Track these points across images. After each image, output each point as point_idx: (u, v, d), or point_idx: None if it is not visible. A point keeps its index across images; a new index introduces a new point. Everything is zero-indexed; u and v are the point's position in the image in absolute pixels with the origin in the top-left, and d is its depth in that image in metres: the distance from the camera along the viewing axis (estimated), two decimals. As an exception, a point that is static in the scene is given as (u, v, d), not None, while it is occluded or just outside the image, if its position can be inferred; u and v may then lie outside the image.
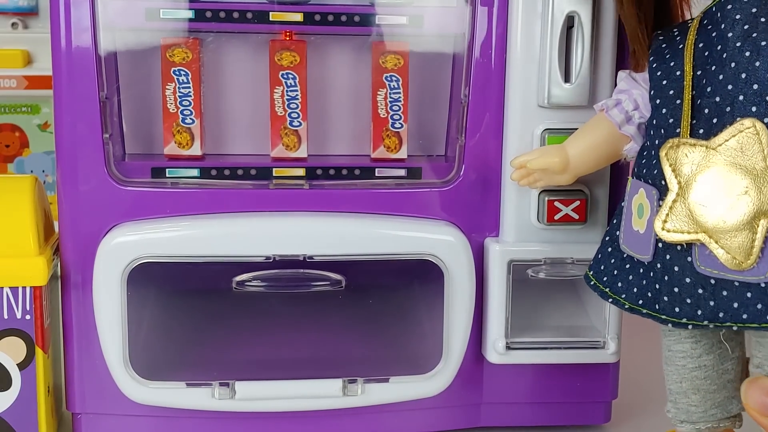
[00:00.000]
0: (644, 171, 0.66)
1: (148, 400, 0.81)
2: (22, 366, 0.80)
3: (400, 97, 0.85)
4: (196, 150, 0.85)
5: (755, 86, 0.60)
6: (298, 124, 0.85)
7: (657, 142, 0.65)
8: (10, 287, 0.78)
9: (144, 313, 0.93)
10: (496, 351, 0.83)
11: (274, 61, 0.84)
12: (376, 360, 0.87)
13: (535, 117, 0.80)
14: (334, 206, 0.82)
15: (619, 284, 0.68)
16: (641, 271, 0.66)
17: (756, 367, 0.65)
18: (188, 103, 0.83)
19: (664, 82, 0.66)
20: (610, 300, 0.69)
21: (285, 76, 0.84)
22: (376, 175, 0.85)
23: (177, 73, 0.83)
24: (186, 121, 0.84)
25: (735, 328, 0.61)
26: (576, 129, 0.80)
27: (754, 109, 0.60)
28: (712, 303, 0.61)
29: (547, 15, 0.78)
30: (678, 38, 0.67)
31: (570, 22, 0.78)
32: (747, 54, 0.60)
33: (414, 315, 0.97)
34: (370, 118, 0.86)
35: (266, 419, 0.84)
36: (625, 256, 0.68)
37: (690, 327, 0.63)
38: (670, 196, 0.62)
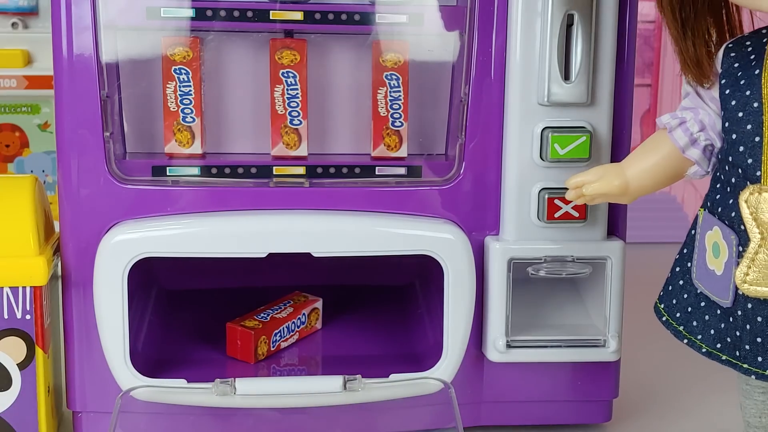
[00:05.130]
0: (719, 209, 0.61)
1: (149, 398, 0.81)
2: (22, 366, 0.80)
3: (400, 95, 0.85)
4: (196, 148, 0.85)
5: None
6: (299, 122, 0.85)
7: (733, 180, 0.60)
8: (10, 287, 0.78)
9: (145, 311, 0.93)
10: (496, 349, 0.83)
11: (274, 60, 0.84)
12: (377, 357, 0.87)
13: (535, 115, 0.81)
14: (335, 204, 0.82)
15: (695, 323, 0.64)
16: (719, 312, 0.62)
17: None
18: (189, 102, 0.84)
19: (740, 114, 0.60)
20: (686, 341, 0.64)
21: (285, 75, 0.84)
22: (377, 173, 0.85)
23: (178, 71, 0.83)
24: (186, 119, 0.84)
25: None
26: (576, 127, 0.80)
27: None
28: None
29: (546, 13, 0.78)
30: (753, 58, 0.60)
31: (569, 21, 0.78)
32: None
33: (415, 313, 0.98)
34: (370, 117, 0.86)
35: (266, 416, 0.84)
36: (699, 292, 0.64)
37: None
38: (752, 246, 0.58)
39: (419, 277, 1.00)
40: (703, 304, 0.63)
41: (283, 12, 0.81)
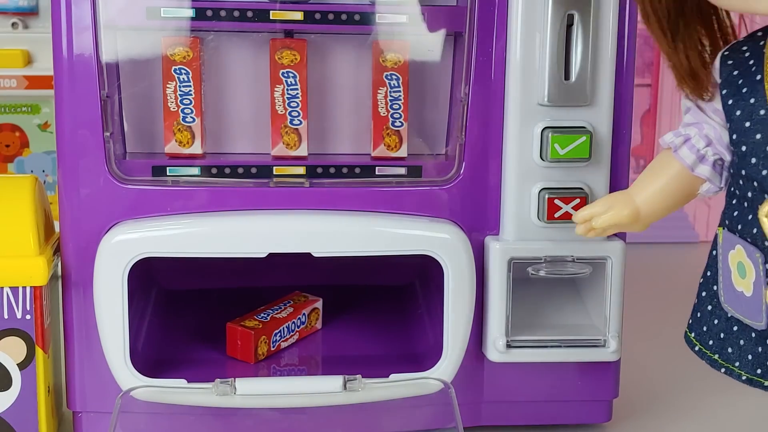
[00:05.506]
0: (739, 226, 0.57)
1: (149, 398, 0.81)
2: (22, 366, 0.80)
3: (400, 95, 0.85)
4: (196, 148, 0.85)
5: None
6: (299, 122, 0.85)
7: (750, 195, 0.56)
8: (10, 287, 0.78)
9: (145, 311, 0.93)
10: (496, 349, 0.83)
11: (274, 60, 0.84)
12: (377, 357, 0.87)
13: (535, 115, 0.81)
14: (335, 204, 0.82)
15: (730, 350, 0.60)
16: (753, 336, 0.58)
17: None
18: (189, 102, 0.84)
19: (747, 123, 0.56)
20: (723, 370, 0.60)
21: (285, 75, 0.84)
22: (377, 173, 0.85)
23: (178, 71, 0.83)
24: (187, 119, 0.84)
25: None
26: (576, 127, 0.80)
27: None
28: None
29: (546, 13, 0.78)
30: (752, 63, 0.57)
31: (569, 21, 0.79)
32: None
33: (415, 313, 0.98)
34: (370, 117, 0.86)
35: (267, 416, 0.84)
36: (729, 316, 0.60)
37: None
38: None
39: (419, 277, 1.00)
40: (735, 328, 0.59)
41: (283, 12, 0.81)
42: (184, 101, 0.84)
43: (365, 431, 0.86)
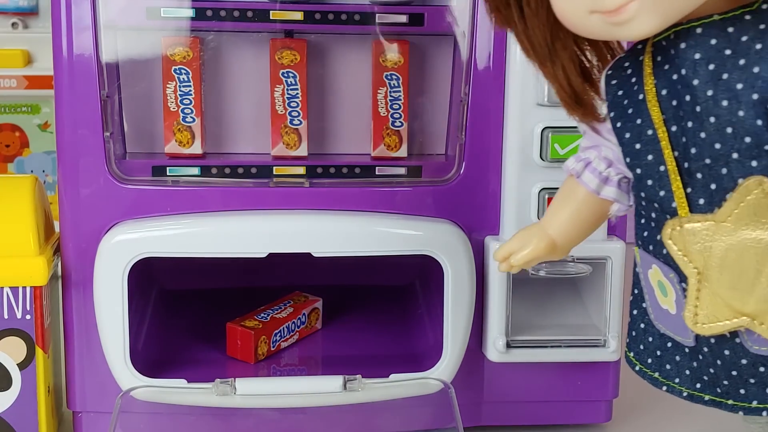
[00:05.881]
0: (650, 246, 0.56)
1: (149, 398, 0.81)
2: (22, 366, 0.80)
3: (400, 95, 0.85)
4: (196, 148, 0.85)
5: (747, 139, 0.49)
6: (299, 122, 0.85)
7: (654, 215, 0.55)
8: (10, 287, 0.78)
9: (145, 311, 0.93)
10: (496, 349, 0.83)
11: (274, 60, 0.84)
12: (377, 357, 0.87)
13: (535, 115, 0.80)
14: (335, 204, 0.82)
15: (668, 366, 0.58)
16: (687, 351, 0.57)
17: None
18: (189, 102, 0.84)
19: (637, 146, 0.54)
20: (665, 388, 0.58)
21: (285, 75, 0.84)
22: (377, 173, 0.85)
23: (178, 71, 0.83)
24: (187, 119, 0.84)
25: None
26: (576, 127, 0.80)
27: (754, 163, 0.49)
28: None
29: (547, 13, 0.78)
30: (634, 81, 0.55)
31: (570, 21, 0.78)
32: (725, 104, 0.49)
33: (415, 313, 0.98)
34: (370, 117, 0.86)
35: (267, 416, 0.84)
36: (662, 333, 0.58)
37: (765, 413, 0.53)
38: (692, 284, 0.53)
39: (419, 277, 1.00)
40: (669, 345, 0.58)
41: (283, 12, 0.81)
42: (184, 101, 0.84)
43: (365, 431, 0.86)
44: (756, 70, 0.49)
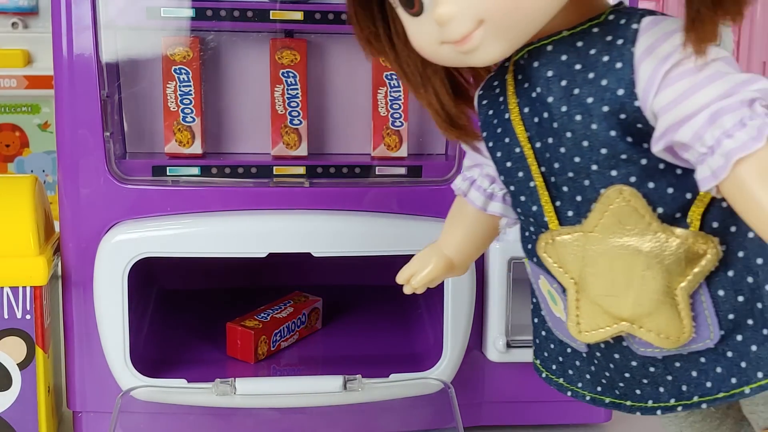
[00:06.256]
0: (534, 258, 0.57)
1: (149, 398, 0.81)
2: (22, 366, 0.80)
3: (400, 95, 0.85)
4: (196, 148, 0.85)
5: (603, 150, 0.50)
6: (299, 122, 0.85)
7: (532, 229, 0.56)
8: (10, 287, 0.78)
9: (145, 311, 0.93)
10: (496, 349, 0.83)
11: (274, 60, 0.84)
12: (377, 357, 0.87)
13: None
14: (335, 204, 0.82)
15: (570, 372, 0.59)
16: (585, 356, 0.58)
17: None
18: (189, 102, 0.84)
19: (508, 163, 0.55)
20: (569, 393, 0.59)
21: (285, 75, 0.84)
22: (376, 173, 0.85)
23: (178, 71, 0.83)
24: (187, 119, 0.84)
25: (704, 406, 0.52)
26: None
27: (614, 173, 0.50)
28: (669, 378, 0.54)
29: (547, 13, 0.78)
30: (501, 101, 0.56)
31: (570, 21, 0.78)
32: (578, 118, 0.50)
33: (415, 313, 0.97)
34: (370, 117, 0.86)
35: (267, 416, 0.84)
36: (561, 340, 0.59)
37: (659, 412, 0.54)
38: (571, 295, 0.54)
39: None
40: (569, 350, 0.59)
41: (283, 12, 0.81)
42: (184, 101, 0.84)
43: (365, 431, 0.86)
44: (604, 83, 0.50)
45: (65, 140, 0.79)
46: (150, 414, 0.83)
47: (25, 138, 1.43)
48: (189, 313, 0.98)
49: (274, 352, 0.91)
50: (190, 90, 0.83)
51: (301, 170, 0.84)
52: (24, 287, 0.78)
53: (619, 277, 0.51)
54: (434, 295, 0.85)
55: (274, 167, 0.84)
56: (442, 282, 0.81)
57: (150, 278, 0.97)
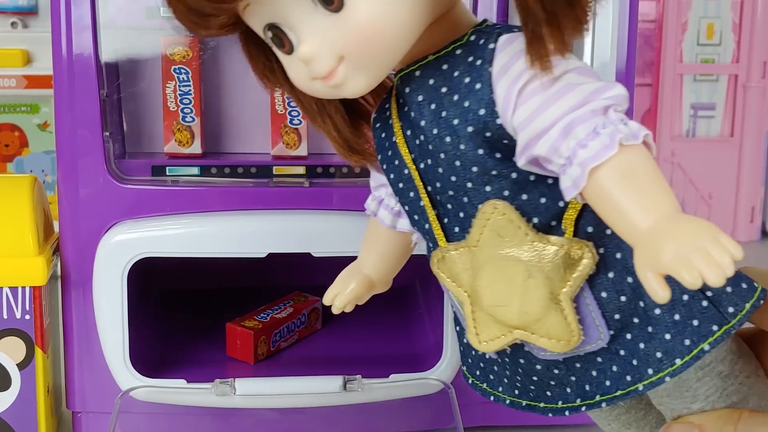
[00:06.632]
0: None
1: (149, 398, 0.80)
2: (21, 366, 0.79)
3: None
4: (196, 148, 0.85)
5: (474, 168, 0.52)
6: (299, 122, 0.85)
7: (431, 245, 0.58)
8: (9, 287, 0.78)
9: (145, 311, 0.93)
10: (496, 349, 0.83)
11: (274, 60, 0.84)
12: (377, 357, 0.87)
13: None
14: (335, 204, 0.82)
15: (491, 377, 0.61)
16: (500, 362, 0.60)
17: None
18: (188, 101, 0.83)
19: (400, 185, 0.58)
20: (492, 398, 0.61)
21: (285, 74, 0.84)
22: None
23: (177, 71, 0.83)
24: (186, 119, 0.84)
25: (604, 405, 0.54)
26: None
27: (488, 189, 0.52)
28: (573, 378, 0.55)
29: (547, 13, 0.78)
30: (390, 123, 0.58)
31: (570, 20, 0.78)
32: (448, 140, 0.52)
33: (415, 313, 0.97)
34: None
35: (266, 416, 0.84)
36: None
37: (567, 413, 0.56)
38: (467, 308, 0.56)
39: (419, 277, 1.00)
40: (488, 356, 0.60)
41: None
42: (184, 101, 0.83)
43: (365, 431, 0.86)
44: (467, 104, 0.52)
45: (64, 140, 0.79)
46: (149, 414, 0.83)
47: (24, 138, 1.43)
48: (188, 313, 0.98)
49: (273, 353, 0.91)
50: (190, 90, 0.83)
51: (301, 170, 0.84)
52: (23, 287, 0.78)
53: (505, 287, 0.53)
54: (434, 295, 0.85)
55: (274, 167, 0.84)
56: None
57: (150, 278, 0.97)
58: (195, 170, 0.83)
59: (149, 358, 0.84)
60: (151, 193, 0.80)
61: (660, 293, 0.44)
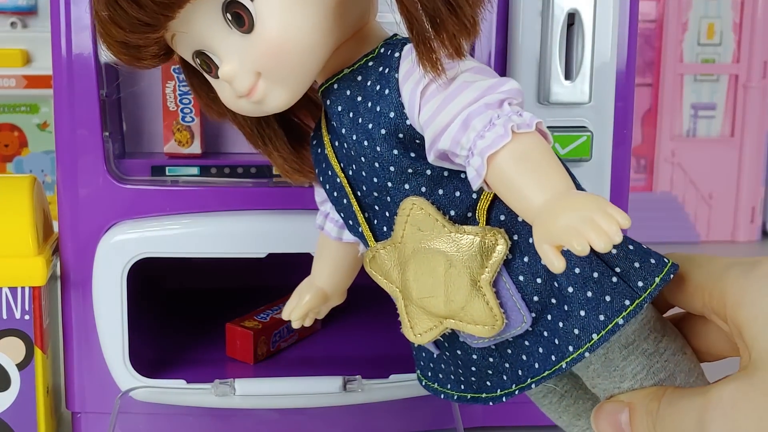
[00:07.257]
0: None
1: (148, 399, 0.80)
2: (21, 366, 0.79)
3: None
4: (195, 148, 0.85)
5: (392, 168, 0.56)
6: (191, 119, 0.85)
7: (365, 247, 0.62)
8: (9, 287, 0.78)
9: (144, 311, 0.93)
10: (496, 349, 0.83)
11: (274, 60, 0.84)
12: (377, 357, 0.87)
13: (536, 115, 0.80)
14: (335, 204, 0.82)
15: (440, 375, 0.64)
16: (443, 358, 0.62)
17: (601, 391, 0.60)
18: (188, 101, 0.83)
19: (335, 193, 0.62)
20: (443, 396, 0.64)
21: (285, 74, 0.84)
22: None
23: (177, 71, 0.83)
24: (186, 119, 0.84)
25: (534, 386, 0.56)
26: (576, 127, 0.80)
27: (407, 186, 0.56)
28: (507, 365, 0.58)
29: (547, 12, 0.78)
30: (321, 136, 0.62)
31: (570, 20, 0.78)
32: (365, 143, 0.56)
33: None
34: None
35: (266, 417, 0.84)
36: (420, 346, 0.64)
37: (504, 399, 0.58)
38: (400, 303, 0.60)
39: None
40: (434, 356, 0.63)
41: (282, 11, 0.80)
42: (183, 101, 0.83)
43: (365, 432, 0.86)
44: (378, 109, 0.55)
45: (64, 140, 0.79)
46: (149, 415, 0.83)
47: (23, 138, 1.43)
48: (188, 314, 0.98)
49: (273, 353, 0.91)
50: (190, 90, 0.83)
51: (301, 170, 0.84)
52: (23, 287, 0.78)
53: (430, 279, 0.56)
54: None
55: (274, 167, 0.83)
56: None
57: (150, 278, 0.97)
58: (195, 170, 0.83)
59: (149, 358, 0.84)
60: (150, 193, 0.80)
61: (556, 263, 0.47)
